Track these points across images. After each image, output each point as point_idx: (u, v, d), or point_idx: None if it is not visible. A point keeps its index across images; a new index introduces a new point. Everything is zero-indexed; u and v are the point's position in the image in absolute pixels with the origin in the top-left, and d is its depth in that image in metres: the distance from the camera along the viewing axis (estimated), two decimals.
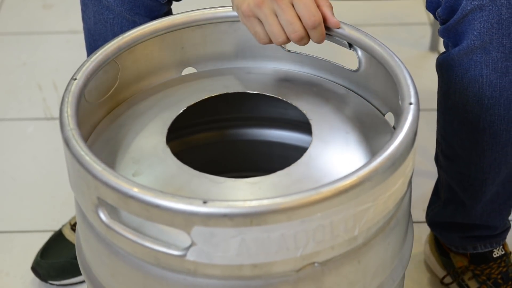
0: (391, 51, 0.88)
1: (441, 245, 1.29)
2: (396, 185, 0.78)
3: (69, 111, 0.81)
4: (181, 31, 0.95)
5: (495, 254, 1.25)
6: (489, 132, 1.06)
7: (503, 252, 1.25)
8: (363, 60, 0.92)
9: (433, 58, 1.77)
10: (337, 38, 0.91)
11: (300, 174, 0.82)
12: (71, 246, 1.32)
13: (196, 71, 0.98)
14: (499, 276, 1.24)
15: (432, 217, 1.26)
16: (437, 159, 1.20)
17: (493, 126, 1.05)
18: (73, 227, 1.35)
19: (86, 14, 1.13)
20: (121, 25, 1.08)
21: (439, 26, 1.05)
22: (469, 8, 0.97)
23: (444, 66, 1.06)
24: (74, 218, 1.36)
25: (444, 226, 1.25)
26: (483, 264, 1.25)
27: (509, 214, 1.21)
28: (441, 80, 1.09)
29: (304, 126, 0.91)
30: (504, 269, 1.24)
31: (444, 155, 1.16)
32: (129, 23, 1.07)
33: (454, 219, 1.21)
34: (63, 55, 1.83)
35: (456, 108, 1.07)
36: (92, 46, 1.15)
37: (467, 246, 1.24)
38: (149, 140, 0.87)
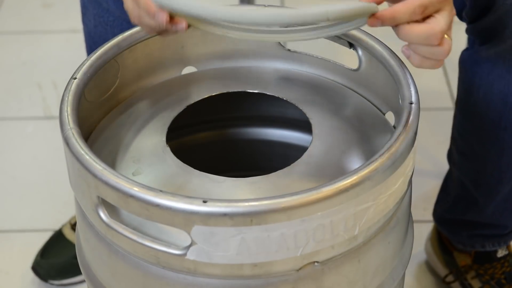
0: (391, 50, 0.88)
1: (443, 243, 1.28)
2: (396, 185, 0.78)
3: (69, 110, 0.81)
4: None
5: (499, 254, 1.24)
6: (511, 131, 1.05)
7: (507, 252, 1.25)
8: (363, 59, 0.92)
9: None
10: (337, 37, 0.91)
11: (300, 173, 0.82)
12: (71, 245, 1.32)
13: (196, 70, 0.98)
14: (502, 276, 1.24)
15: (440, 214, 1.26)
16: (450, 156, 1.19)
17: None
18: (73, 226, 1.35)
19: (86, 17, 1.13)
20: (121, 28, 1.08)
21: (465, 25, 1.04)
22: (502, 7, 0.96)
23: (469, 62, 1.05)
24: (74, 217, 1.36)
25: (453, 223, 1.24)
26: (486, 264, 1.24)
27: None
28: (464, 76, 1.08)
29: (304, 125, 0.91)
30: (508, 269, 1.24)
31: (460, 152, 1.15)
32: (130, 25, 1.07)
33: (465, 216, 1.21)
34: (62, 54, 1.83)
35: (478, 105, 1.06)
36: (92, 49, 1.15)
37: (475, 244, 1.24)
38: (149, 139, 0.87)
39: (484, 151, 1.10)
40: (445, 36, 0.76)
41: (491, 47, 1.00)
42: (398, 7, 0.75)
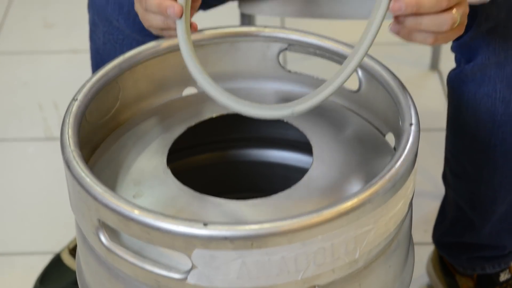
0: (391, 71, 0.88)
1: (446, 265, 1.27)
2: (397, 207, 0.78)
3: (70, 132, 0.81)
4: None
5: (501, 278, 1.23)
6: (501, 150, 1.05)
7: (509, 276, 1.24)
8: (363, 81, 0.92)
9: (433, 77, 1.77)
10: (337, 58, 0.91)
11: (301, 196, 0.82)
12: (70, 271, 1.32)
13: (197, 91, 0.98)
14: None
15: (439, 237, 1.25)
16: (444, 177, 1.19)
17: (504, 144, 1.04)
18: (71, 251, 1.34)
19: (95, 34, 1.13)
20: (130, 46, 1.08)
21: (451, 42, 1.04)
22: (484, 23, 0.97)
23: (456, 82, 1.05)
24: (72, 242, 1.36)
25: (451, 246, 1.24)
26: None
27: None
28: (452, 96, 1.08)
29: (305, 147, 0.91)
30: None
31: (453, 173, 1.15)
32: (139, 44, 1.07)
33: (462, 238, 1.20)
34: (64, 74, 1.83)
35: (468, 125, 1.06)
36: (99, 66, 1.14)
37: (475, 267, 1.23)
38: (150, 161, 0.87)
39: (476, 171, 1.10)
40: (453, 10, 0.77)
41: (476, 65, 1.00)
42: None
